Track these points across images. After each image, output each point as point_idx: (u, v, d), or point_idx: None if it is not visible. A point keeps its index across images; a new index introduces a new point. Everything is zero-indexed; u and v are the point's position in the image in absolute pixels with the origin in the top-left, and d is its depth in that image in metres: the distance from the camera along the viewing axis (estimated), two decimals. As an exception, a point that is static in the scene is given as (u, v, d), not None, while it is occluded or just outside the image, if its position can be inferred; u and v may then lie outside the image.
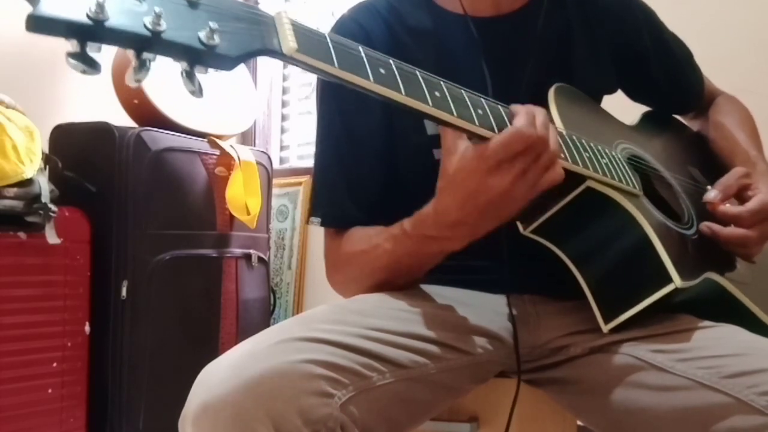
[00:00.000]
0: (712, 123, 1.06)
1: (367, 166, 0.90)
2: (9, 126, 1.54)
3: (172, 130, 1.87)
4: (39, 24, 0.45)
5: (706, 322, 0.79)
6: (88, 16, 0.46)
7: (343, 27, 0.94)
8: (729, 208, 0.86)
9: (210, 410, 0.59)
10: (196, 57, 0.52)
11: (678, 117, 1.14)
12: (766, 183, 0.88)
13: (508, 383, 0.85)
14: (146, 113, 1.85)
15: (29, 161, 1.56)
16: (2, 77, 1.80)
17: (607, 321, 0.80)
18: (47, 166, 1.65)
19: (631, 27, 1.00)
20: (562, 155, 0.73)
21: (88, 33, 0.47)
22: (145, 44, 0.49)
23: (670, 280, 0.75)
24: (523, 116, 0.68)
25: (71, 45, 0.47)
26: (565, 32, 0.95)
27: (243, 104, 2.18)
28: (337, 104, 0.91)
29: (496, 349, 0.83)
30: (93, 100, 2.00)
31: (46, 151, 1.72)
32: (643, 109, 1.10)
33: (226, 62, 0.53)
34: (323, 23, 2.53)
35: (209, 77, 0.53)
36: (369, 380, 0.67)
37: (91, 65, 0.48)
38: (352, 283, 0.88)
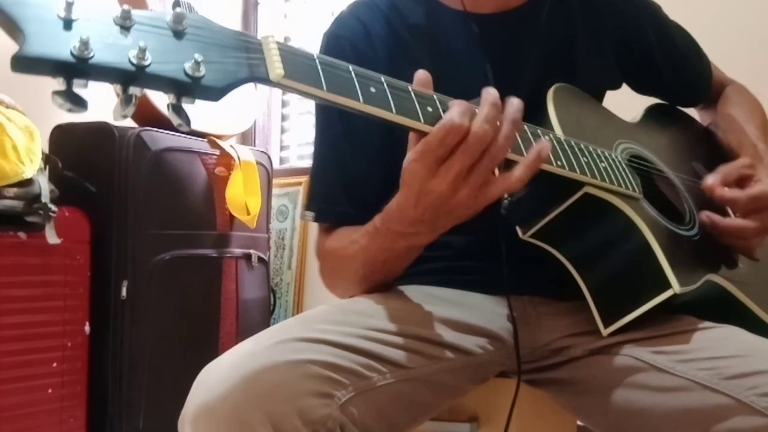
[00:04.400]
0: (720, 115, 1.05)
1: (365, 165, 0.90)
2: (9, 126, 1.54)
3: (172, 130, 1.87)
4: (24, 64, 0.45)
5: (707, 323, 0.79)
6: (72, 53, 0.46)
7: (342, 23, 0.93)
8: (726, 191, 0.84)
9: (209, 410, 0.59)
10: (183, 89, 0.51)
11: (684, 109, 1.13)
12: None
13: (509, 383, 0.85)
14: (146, 113, 1.85)
15: (29, 161, 1.56)
16: (2, 77, 1.80)
17: (606, 325, 0.79)
18: (47, 166, 1.65)
19: (635, 21, 0.99)
20: (559, 162, 0.73)
21: (74, 71, 0.46)
22: (130, 79, 0.49)
23: (669, 285, 0.74)
24: (456, 107, 0.63)
25: (57, 83, 0.47)
26: (568, 28, 0.94)
27: (243, 104, 2.18)
28: None
29: (497, 349, 0.83)
30: (93, 100, 1.99)
31: (46, 151, 1.72)
32: (646, 102, 1.09)
33: (212, 93, 0.52)
34: (323, 23, 2.53)
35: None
36: (369, 381, 0.67)
37: (77, 103, 0.47)
38: (336, 279, 0.89)
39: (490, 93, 0.66)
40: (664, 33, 1.03)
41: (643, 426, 0.73)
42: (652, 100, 1.09)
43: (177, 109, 0.52)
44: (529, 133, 0.72)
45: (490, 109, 0.64)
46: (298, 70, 0.57)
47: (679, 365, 0.72)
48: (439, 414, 0.83)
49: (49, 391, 1.64)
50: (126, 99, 0.50)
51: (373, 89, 0.62)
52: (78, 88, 0.47)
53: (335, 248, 0.87)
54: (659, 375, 0.73)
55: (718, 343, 0.74)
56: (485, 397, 0.90)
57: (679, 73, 1.04)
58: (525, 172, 0.66)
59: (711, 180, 0.85)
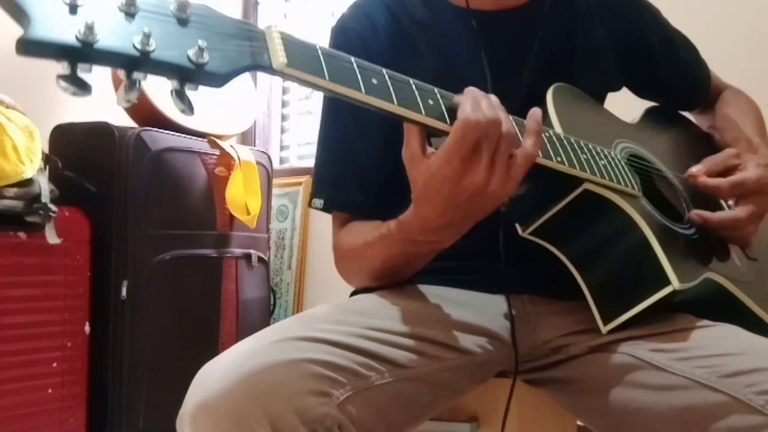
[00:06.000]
0: (718, 115, 1.06)
1: (375, 155, 0.90)
2: (9, 126, 1.54)
3: (172, 130, 1.87)
4: (29, 47, 0.45)
5: (705, 322, 0.79)
6: (77, 38, 0.46)
7: (349, 17, 0.95)
8: (708, 179, 0.86)
9: (207, 409, 0.59)
10: (186, 75, 0.52)
11: (682, 112, 1.14)
12: (755, 163, 0.88)
13: (508, 383, 0.85)
14: (146, 113, 1.85)
15: (29, 161, 1.57)
16: (2, 77, 1.80)
17: (606, 322, 0.80)
18: (47, 166, 1.65)
19: (637, 24, 1.00)
20: (559, 158, 0.73)
21: (78, 55, 0.47)
22: (134, 64, 0.49)
23: (668, 282, 0.75)
24: (468, 103, 0.65)
25: (62, 67, 0.47)
26: (568, 27, 0.95)
27: (243, 104, 2.19)
28: None
29: (496, 348, 0.83)
30: (93, 100, 1.99)
31: (46, 151, 1.72)
32: (645, 104, 1.09)
33: (215, 80, 0.53)
34: (323, 23, 2.53)
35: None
36: (367, 380, 0.67)
37: (81, 87, 0.48)
38: (353, 276, 0.90)
39: (470, 90, 0.68)
40: (666, 35, 1.04)
41: (642, 424, 0.73)
42: (652, 104, 1.09)
43: (180, 94, 0.53)
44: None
45: (487, 99, 0.66)
46: (301, 59, 0.58)
47: (678, 363, 0.72)
48: (439, 414, 0.83)
49: (49, 391, 1.64)
50: (130, 84, 0.51)
51: (374, 80, 0.62)
52: (82, 73, 0.48)
53: (351, 248, 0.87)
54: (657, 373, 0.73)
55: (716, 341, 0.74)
56: (485, 397, 0.90)
57: (680, 74, 1.05)
58: (534, 137, 0.69)
59: (695, 169, 0.87)
